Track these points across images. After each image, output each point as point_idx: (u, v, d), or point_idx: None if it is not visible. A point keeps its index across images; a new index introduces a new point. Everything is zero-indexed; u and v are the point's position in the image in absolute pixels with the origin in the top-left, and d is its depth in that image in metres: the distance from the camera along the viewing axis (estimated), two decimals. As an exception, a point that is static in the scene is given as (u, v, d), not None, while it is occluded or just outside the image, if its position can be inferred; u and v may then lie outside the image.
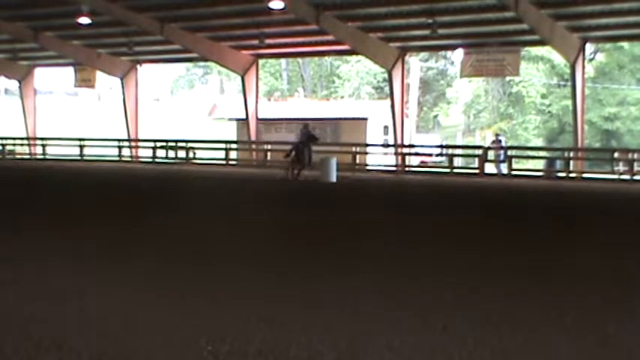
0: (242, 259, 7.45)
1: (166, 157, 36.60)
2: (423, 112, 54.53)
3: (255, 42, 33.43)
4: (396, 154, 33.57)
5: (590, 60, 46.11)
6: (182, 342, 4.23)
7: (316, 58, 54.33)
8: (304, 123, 26.23)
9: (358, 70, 53.94)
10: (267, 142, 36.48)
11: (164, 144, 37.43)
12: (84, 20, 32.43)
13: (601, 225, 12.16)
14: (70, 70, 41.21)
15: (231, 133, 41.36)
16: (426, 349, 4.21)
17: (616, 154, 33.85)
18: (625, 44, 44.74)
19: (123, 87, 39.81)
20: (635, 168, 29.16)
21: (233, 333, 4.39)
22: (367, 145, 35.29)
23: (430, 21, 29.19)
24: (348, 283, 6.15)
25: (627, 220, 13.50)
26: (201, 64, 59.34)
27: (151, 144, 37.70)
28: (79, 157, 38.35)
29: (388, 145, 35.30)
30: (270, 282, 6.20)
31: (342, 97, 53.59)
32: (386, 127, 36.93)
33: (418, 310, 5.19)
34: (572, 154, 31.38)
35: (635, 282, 6.64)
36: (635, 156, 31.23)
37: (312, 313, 5.01)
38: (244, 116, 36.82)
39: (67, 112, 58.82)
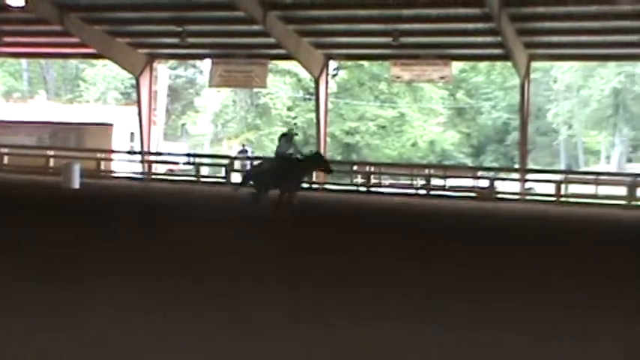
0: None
1: None
2: (171, 120, 54.07)
3: (-8, 39, 31.43)
4: (142, 161, 33.01)
5: (334, 76, 48.15)
6: None
7: (60, 60, 52.05)
8: (290, 133, 18.51)
9: (105, 75, 52.40)
10: (4, 146, 34.31)
11: None
12: None
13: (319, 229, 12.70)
14: None
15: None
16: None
17: (355, 167, 35.62)
18: (365, 63, 47.20)
19: None
20: (372, 180, 30.86)
21: None
22: (112, 151, 34.38)
23: (179, 29, 29.08)
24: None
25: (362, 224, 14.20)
26: None
27: None
28: None
29: (134, 152, 34.62)
30: None
31: (88, 101, 51.79)
32: (132, 134, 36.16)
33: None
34: (315, 166, 32.47)
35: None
36: (372, 169, 33.11)
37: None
38: (-22, 117, 34.46)
39: None
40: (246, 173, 18.20)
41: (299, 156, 17.27)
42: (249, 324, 5.43)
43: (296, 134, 18.33)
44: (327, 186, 30.48)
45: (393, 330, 5.39)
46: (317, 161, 17.68)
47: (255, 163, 19.19)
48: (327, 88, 32.53)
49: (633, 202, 26.77)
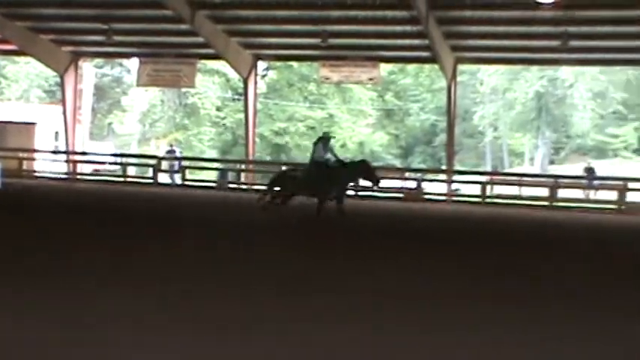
0: None
1: None
2: (98, 119, 53.16)
3: None
4: (67, 161, 32.40)
5: (263, 76, 48.04)
6: None
7: (-20, 57, 50.66)
8: (326, 136, 16.20)
9: (28, 72, 51.21)
10: None
11: None
12: None
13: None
14: None
15: None
16: None
17: (284, 168, 35.50)
18: (294, 64, 47.23)
19: None
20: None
21: None
22: (36, 150, 33.62)
23: (105, 27, 28.64)
24: None
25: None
26: None
27: None
28: None
29: (59, 152, 33.93)
30: None
31: (9, 99, 50.52)
32: (57, 133, 35.42)
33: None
34: (243, 167, 32.45)
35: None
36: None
37: None
38: None
39: None
40: (273, 178, 16.61)
41: (342, 162, 15.86)
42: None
43: (333, 137, 16.54)
44: (256, 187, 30.38)
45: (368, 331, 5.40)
46: (363, 170, 15.78)
47: (287, 168, 18.08)
48: (255, 88, 32.46)
49: (554, 203, 27.44)
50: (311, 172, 15.38)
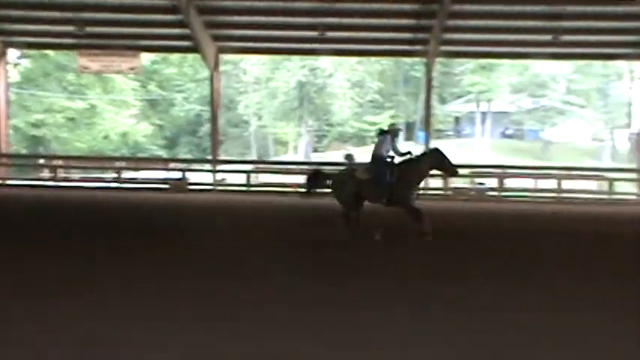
0: None
1: None
2: None
3: None
4: None
5: (16, 65, 45.49)
6: None
7: None
8: (393, 129, 13.58)
9: None
10: None
11: None
12: None
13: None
14: None
15: None
16: None
17: (42, 161, 33.96)
18: (50, 52, 45.12)
19: None
20: (61, 174, 29.62)
21: None
22: None
23: None
24: None
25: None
26: None
27: None
28: None
29: None
30: None
31: None
32: None
33: None
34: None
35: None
36: (60, 162, 31.81)
37: None
38: None
39: None
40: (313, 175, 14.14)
41: (411, 156, 13.44)
42: None
43: (400, 130, 13.91)
44: (9, 181, 28.77)
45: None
46: (436, 160, 13.26)
47: (342, 168, 15.57)
48: (6, 77, 30.67)
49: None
50: (376, 171, 13.16)
